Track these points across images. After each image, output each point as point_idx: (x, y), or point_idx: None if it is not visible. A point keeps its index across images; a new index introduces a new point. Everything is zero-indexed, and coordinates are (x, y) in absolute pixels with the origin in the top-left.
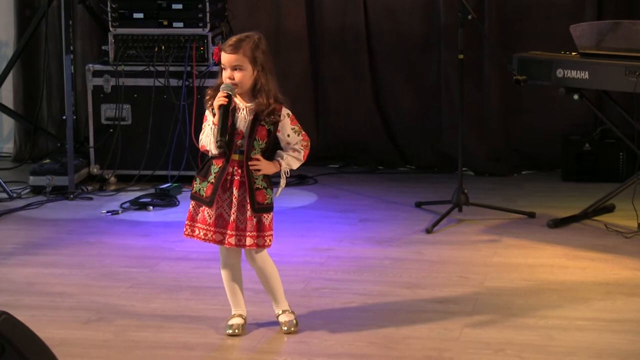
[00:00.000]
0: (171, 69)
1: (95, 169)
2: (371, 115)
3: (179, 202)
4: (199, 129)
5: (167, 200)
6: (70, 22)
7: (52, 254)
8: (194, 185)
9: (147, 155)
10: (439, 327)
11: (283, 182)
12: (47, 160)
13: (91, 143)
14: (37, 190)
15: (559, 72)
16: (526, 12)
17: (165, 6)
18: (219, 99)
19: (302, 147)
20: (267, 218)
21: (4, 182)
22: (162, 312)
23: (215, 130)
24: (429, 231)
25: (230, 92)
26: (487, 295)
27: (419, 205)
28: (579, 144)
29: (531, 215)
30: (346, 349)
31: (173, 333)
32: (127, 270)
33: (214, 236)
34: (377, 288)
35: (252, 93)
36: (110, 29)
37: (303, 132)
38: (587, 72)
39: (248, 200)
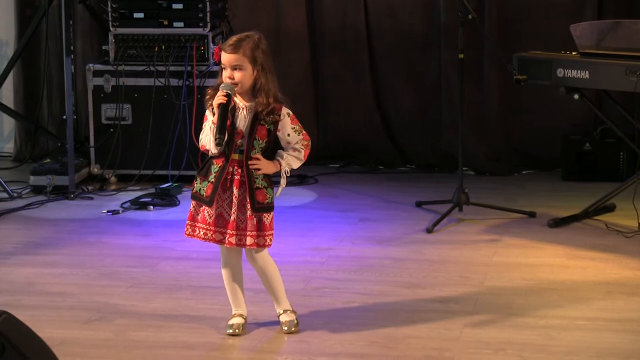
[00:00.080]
0: (171, 68)
1: (95, 169)
2: (371, 115)
3: (179, 202)
4: (199, 129)
5: (167, 199)
6: (71, 22)
7: (52, 253)
8: (195, 185)
9: (148, 155)
10: (440, 326)
11: (283, 181)
12: (48, 160)
13: (92, 143)
14: (37, 189)
15: (559, 72)
16: (526, 12)
17: (166, 6)
18: (218, 98)
19: (302, 147)
20: (267, 217)
21: (5, 182)
22: (163, 311)
23: (215, 129)
24: (429, 231)
25: (229, 92)
26: (487, 294)
27: (419, 204)
28: (580, 144)
29: (532, 214)
30: (346, 348)
31: (173, 333)
32: (127, 270)
33: (214, 236)
34: (378, 288)
35: (252, 93)
36: (111, 28)
37: (304, 132)
38: (587, 72)
39: (248, 200)
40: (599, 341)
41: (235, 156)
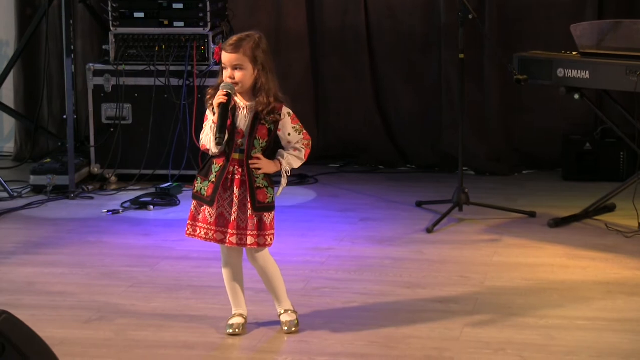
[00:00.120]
0: (172, 68)
1: (95, 169)
2: (371, 115)
3: (179, 202)
4: (199, 129)
5: (167, 199)
6: (71, 22)
7: (52, 253)
8: (195, 185)
9: (148, 155)
10: (440, 326)
11: (284, 181)
12: (48, 160)
13: (92, 142)
14: (37, 189)
15: (560, 72)
16: (527, 12)
17: (166, 6)
18: (219, 97)
19: (303, 146)
20: (268, 217)
21: (5, 182)
22: (163, 311)
23: (215, 128)
24: (429, 231)
25: (230, 91)
26: (487, 294)
27: (419, 204)
28: (580, 144)
29: (532, 214)
30: (347, 348)
31: (173, 332)
32: (127, 270)
33: (215, 235)
34: (378, 287)
35: (253, 92)
36: (111, 28)
37: (304, 131)
38: (587, 72)
39: (249, 199)
40: (599, 341)
41: (236, 156)
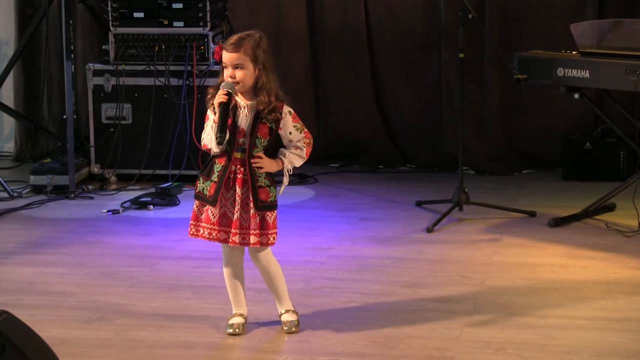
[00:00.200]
0: (172, 68)
1: (95, 168)
2: (371, 115)
3: (179, 201)
4: (199, 128)
5: (167, 199)
6: (71, 22)
7: (52, 253)
8: (198, 185)
9: (148, 155)
10: (440, 326)
11: (286, 179)
12: (48, 160)
13: (92, 142)
14: (37, 189)
15: (560, 71)
16: (527, 12)
17: (166, 5)
18: (219, 97)
19: (304, 145)
20: (270, 216)
21: (5, 182)
22: (163, 311)
23: (216, 127)
24: (429, 230)
25: (230, 90)
26: (487, 294)
27: (419, 204)
28: (580, 143)
29: (532, 214)
30: (347, 348)
31: (173, 332)
32: (127, 270)
33: (218, 235)
34: (378, 287)
35: (254, 91)
36: (111, 28)
37: (305, 130)
38: (587, 71)
39: (251, 199)
40: (600, 340)
41: (238, 155)
